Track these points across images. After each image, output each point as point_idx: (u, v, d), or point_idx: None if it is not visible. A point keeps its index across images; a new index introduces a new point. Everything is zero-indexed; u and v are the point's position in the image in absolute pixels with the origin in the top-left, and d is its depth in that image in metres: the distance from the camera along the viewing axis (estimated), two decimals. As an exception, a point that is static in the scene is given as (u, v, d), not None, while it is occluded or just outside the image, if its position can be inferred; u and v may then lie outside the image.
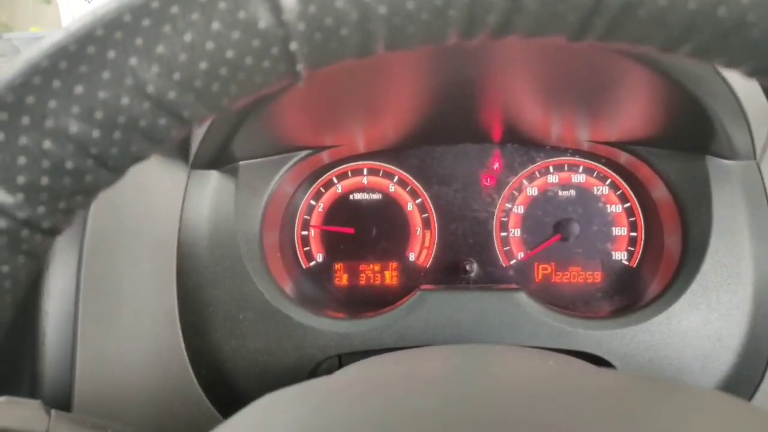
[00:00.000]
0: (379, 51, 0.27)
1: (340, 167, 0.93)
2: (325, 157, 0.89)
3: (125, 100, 0.25)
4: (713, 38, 0.24)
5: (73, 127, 0.25)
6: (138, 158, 0.27)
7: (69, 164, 0.25)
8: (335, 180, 0.93)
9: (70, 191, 0.26)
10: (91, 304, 0.71)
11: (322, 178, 0.93)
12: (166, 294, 0.74)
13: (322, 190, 0.93)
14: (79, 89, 0.24)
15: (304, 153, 0.84)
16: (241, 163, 0.79)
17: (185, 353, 0.73)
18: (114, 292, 0.71)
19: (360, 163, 0.93)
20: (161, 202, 0.76)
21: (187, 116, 0.26)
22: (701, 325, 0.70)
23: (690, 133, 0.73)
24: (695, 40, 0.24)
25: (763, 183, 0.72)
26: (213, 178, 0.78)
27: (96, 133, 0.25)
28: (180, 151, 0.80)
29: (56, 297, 0.72)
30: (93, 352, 0.70)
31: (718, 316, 0.70)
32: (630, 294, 0.85)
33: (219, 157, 0.77)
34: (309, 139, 0.82)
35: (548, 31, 0.25)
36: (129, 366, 0.71)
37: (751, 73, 0.26)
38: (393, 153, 0.92)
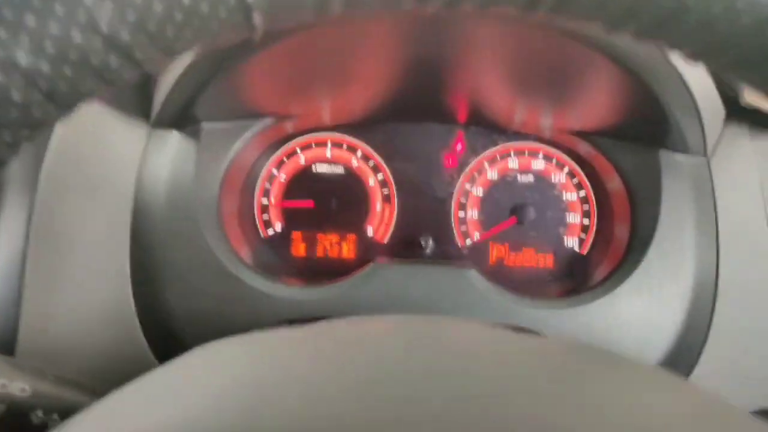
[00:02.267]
0: (336, 11, 0.27)
1: (304, 137, 0.92)
2: (289, 126, 0.88)
3: (77, 36, 0.25)
4: (654, 20, 0.25)
5: (23, 59, 0.24)
6: (88, 96, 0.26)
7: (16, 96, 0.25)
8: (298, 150, 0.93)
9: (16, 123, 0.26)
10: (41, 255, 0.70)
11: (285, 146, 0.92)
12: (119, 252, 0.73)
13: (285, 160, 0.93)
14: (30, 21, 0.24)
15: (268, 120, 0.83)
16: (203, 124, 0.78)
17: (134, 311, 0.72)
18: (65, 245, 0.70)
19: (324, 135, 0.92)
20: (119, 159, 0.75)
21: (139, 58, 0.26)
22: (642, 312, 0.73)
23: (645, 125, 0.75)
24: (637, 21, 0.25)
25: (711, 179, 0.75)
26: (174, 138, 0.77)
27: (45, 67, 0.25)
28: (141, 108, 0.78)
29: (4, 245, 0.71)
30: (40, 304, 0.69)
31: (658, 303, 0.73)
32: (578, 279, 0.88)
33: (181, 117, 0.76)
34: (275, 105, 0.82)
35: (499, 2, 0.26)
36: (76, 320, 0.70)
37: (693, 57, 0.28)
38: (358, 127, 0.92)
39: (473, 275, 0.74)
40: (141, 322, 0.72)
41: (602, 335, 0.73)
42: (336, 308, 0.73)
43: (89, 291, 0.71)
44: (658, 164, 0.77)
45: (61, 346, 0.70)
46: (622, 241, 0.81)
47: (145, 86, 0.77)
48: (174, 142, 0.77)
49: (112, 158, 0.75)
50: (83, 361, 0.69)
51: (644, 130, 0.77)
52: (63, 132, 0.74)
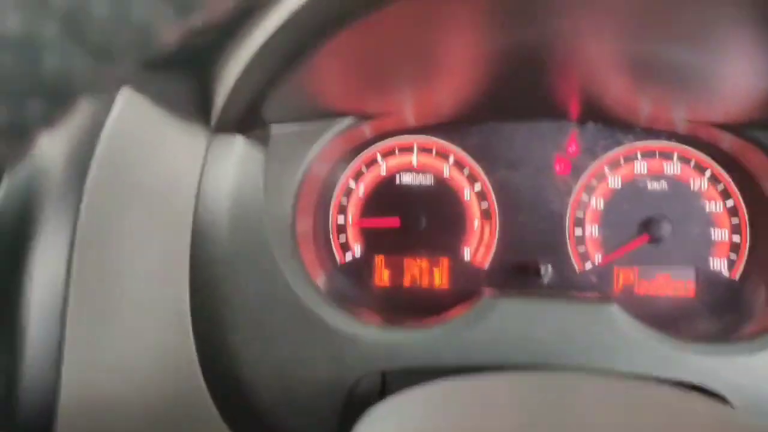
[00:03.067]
0: None
1: (386, 142, 0.80)
2: (368, 129, 0.75)
3: None
4: None
5: None
6: None
7: None
8: (379, 158, 0.80)
9: None
10: (84, 294, 0.59)
11: (364, 153, 0.79)
12: (177, 286, 0.62)
13: (364, 170, 0.80)
14: None
15: (346, 122, 0.70)
16: (272, 127, 0.66)
17: (196, 359, 0.61)
18: (112, 281, 0.60)
19: (410, 138, 0.80)
20: (175, 171, 0.64)
21: None
22: None
23: None
24: None
25: None
26: (238, 144, 0.66)
27: None
28: (201, 110, 0.67)
29: (43, 284, 0.60)
30: (83, 354, 0.59)
31: None
32: (730, 313, 0.71)
33: (246, 119, 0.65)
34: (352, 102, 0.70)
35: None
36: (126, 373, 0.59)
37: None
38: (449, 128, 0.80)
39: (614, 312, 0.59)
40: (203, 372, 0.61)
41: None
42: (442, 355, 0.59)
43: (142, 335, 0.60)
44: None
45: (110, 405, 0.60)
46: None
47: (206, 85, 0.65)
48: (239, 148, 0.66)
49: (167, 170, 0.63)
50: (136, 424, 0.59)
51: None
52: (109, 140, 0.62)
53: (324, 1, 0.50)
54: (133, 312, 0.60)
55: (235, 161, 0.65)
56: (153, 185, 0.63)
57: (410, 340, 0.60)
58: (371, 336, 0.60)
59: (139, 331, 0.60)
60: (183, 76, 0.69)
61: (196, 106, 0.68)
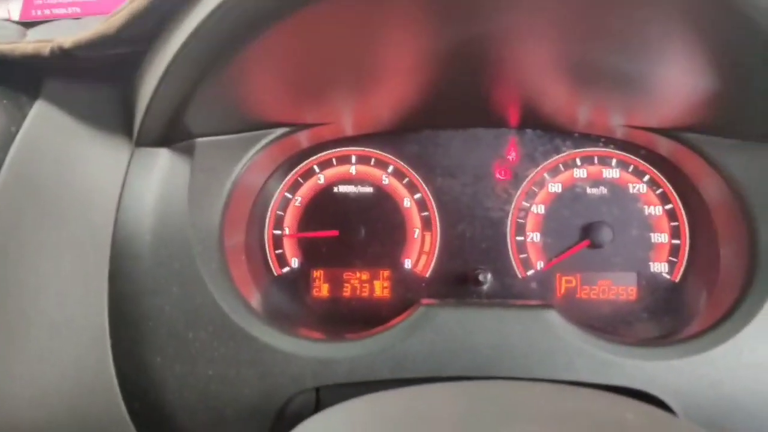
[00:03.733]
0: None
1: (323, 153, 0.78)
2: (304, 139, 0.73)
3: None
4: None
5: None
6: None
7: None
8: (317, 169, 0.77)
9: None
10: None
11: (301, 165, 0.77)
12: (94, 303, 0.58)
13: (300, 181, 0.77)
14: None
15: (279, 131, 0.68)
16: (198, 140, 0.63)
17: (115, 381, 0.57)
18: (25, 298, 0.56)
19: (348, 149, 0.78)
20: (93, 186, 0.60)
21: None
22: None
23: (765, 113, 0.59)
24: None
25: None
26: (162, 157, 0.62)
27: None
28: (122, 125, 0.64)
29: None
30: None
31: None
32: (672, 316, 0.70)
33: (170, 132, 0.62)
34: (285, 113, 0.67)
35: None
36: (38, 396, 0.55)
37: None
38: (388, 137, 0.78)
39: (553, 318, 0.58)
40: (123, 394, 0.57)
41: (728, 390, 0.56)
42: (377, 368, 0.56)
43: (58, 355, 0.56)
44: None
45: (22, 425, 0.54)
46: (733, 266, 0.64)
47: (128, 96, 0.62)
48: (162, 161, 0.62)
49: (84, 183, 0.60)
50: None
51: (761, 119, 0.60)
52: (20, 152, 0.58)
53: (233, 7, 0.47)
54: (47, 331, 0.56)
55: (158, 174, 0.62)
56: (68, 199, 0.59)
57: (344, 353, 0.57)
58: (303, 351, 0.57)
59: (52, 351, 0.56)
60: (106, 87, 0.66)
61: (118, 117, 0.64)
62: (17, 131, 0.60)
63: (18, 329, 0.55)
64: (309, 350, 0.57)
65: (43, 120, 0.61)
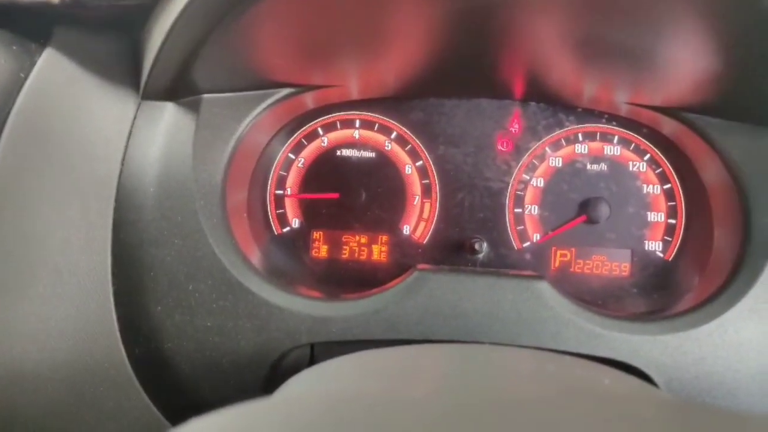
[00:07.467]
0: None
1: (328, 116, 0.78)
2: (309, 100, 0.73)
3: None
4: None
5: None
6: None
7: None
8: (320, 131, 0.78)
9: None
10: None
11: (305, 127, 0.78)
12: (98, 251, 0.59)
13: (304, 142, 0.77)
14: None
15: (285, 92, 0.68)
16: (204, 96, 0.63)
17: (116, 327, 0.59)
18: (30, 244, 0.57)
19: (352, 113, 0.78)
20: (100, 136, 0.61)
21: None
22: (763, 337, 0.57)
23: (761, 98, 0.59)
24: None
25: None
26: (168, 111, 0.63)
27: None
28: (129, 77, 0.64)
29: None
30: (1, 319, 0.55)
31: None
32: (661, 293, 0.71)
33: (177, 86, 0.62)
34: (292, 73, 0.67)
35: None
36: (42, 340, 0.56)
37: None
38: (392, 103, 0.78)
39: (544, 288, 0.59)
40: (123, 340, 0.59)
41: (712, 368, 0.57)
42: (370, 328, 0.58)
43: (61, 300, 0.57)
44: None
45: (24, 371, 0.56)
46: (725, 247, 0.65)
47: (136, 51, 0.62)
48: (168, 115, 0.63)
49: (91, 133, 0.60)
50: (53, 391, 0.56)
51: (762, 103, 0.60)
52: (28, 99, 0.58)
53: (201, 5, 0.47)
54: (51, 277, 0.57)
55: (163, 128, 0.62)
56: (75, 147, 0.60)
57: (340, 312, 0.58)
58: (300, 308, 0.58)
59: (56, 295, 0.57)
60: (115, 38, 0.66)
61: (127, 70, 0.65)
62: (26, 77, 0.60)
63: (23, 273, 0.56)
64: (305, 307, 0.59)
65: (52, 68, 0.61)
